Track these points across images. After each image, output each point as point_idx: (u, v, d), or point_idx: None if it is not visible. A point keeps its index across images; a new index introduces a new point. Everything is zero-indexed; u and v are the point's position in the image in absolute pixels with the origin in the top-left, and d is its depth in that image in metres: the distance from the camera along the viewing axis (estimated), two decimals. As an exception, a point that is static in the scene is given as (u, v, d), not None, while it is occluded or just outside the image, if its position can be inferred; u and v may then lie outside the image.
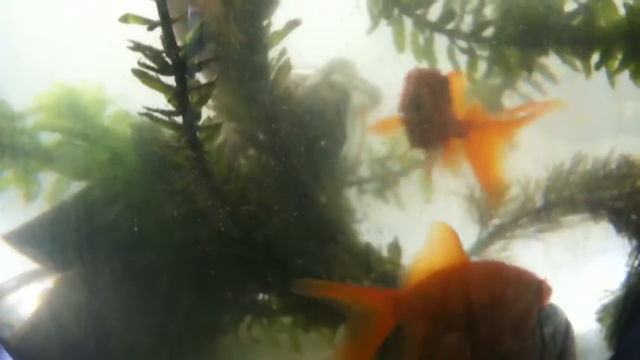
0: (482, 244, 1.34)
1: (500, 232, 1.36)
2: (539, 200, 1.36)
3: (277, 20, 1.12)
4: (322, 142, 1.25)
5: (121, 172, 1.24)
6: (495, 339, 1.10)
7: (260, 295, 1.34)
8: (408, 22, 1.27)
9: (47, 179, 1.28)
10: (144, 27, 0.99)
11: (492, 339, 1.10)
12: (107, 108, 1.27)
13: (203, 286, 1.25)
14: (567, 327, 1.21)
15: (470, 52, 1.29)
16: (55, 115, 1.25)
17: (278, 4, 1.12)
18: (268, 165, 1.21)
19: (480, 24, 1.27)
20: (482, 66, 1.30)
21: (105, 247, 1.24)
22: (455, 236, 1.07)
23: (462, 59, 1.29)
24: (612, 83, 1.25)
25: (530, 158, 1.32)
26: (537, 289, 1.10)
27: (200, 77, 1.06)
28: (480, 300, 1.07)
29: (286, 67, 1.16)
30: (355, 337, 1.07)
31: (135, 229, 1.20)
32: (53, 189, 1.28)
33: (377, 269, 1.25)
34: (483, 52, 1.29)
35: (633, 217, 1.34)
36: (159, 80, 1.02)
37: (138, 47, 1.00)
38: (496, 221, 1.37)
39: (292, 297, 1.27)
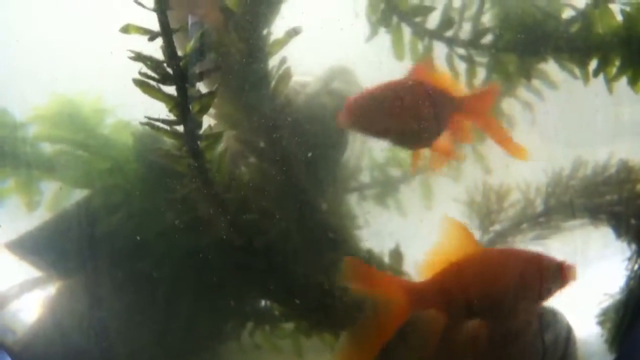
0: (483, 249, 1.35)
1: (500, 238, 1.37)
2: (539, 206, 1.36)
3: (277, 29, 1.13)
4: (323, 149, 1.25)
5: (122, 181, 1.24)
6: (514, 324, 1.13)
7: (262, 302, 1.34)
8: (407, 30, 1.28)
9: (49, 188, 1.28)
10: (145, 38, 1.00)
11: (510, 325, 1.13)
12: (106, 118, 1.27)
13: (205, 293, 1.26)
14: (569, 332, 1.22)
15: (469, 60, 1.29)
16: (56, 126, 1.25)
17: (278, 13, 1.13)
18: (269, 173, 1.21)
19: (478, 32, 1.28)
20: (481, 73, 1.31)
21: (107, 255, 1.24)
22: (464, 228, 1.10)
23: (461, 66, 1.30)
24: (610, 89, 1.25)
25: (529, 164, 1.32)
26: (556, 271, 1.11)
27: (201, 87, 1.06)
28: (496, 287, 1.09)
29: (286, 75, 1.16)
30: (369, 325, 1.08)
31: (137, 237, 1.21)
32: (55, 198, 1.28)
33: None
34: (482, 59, 1.30)
35: (632, 221, 1.34)
36: (160, 90, 1.03)
37: (139, 57, 1.00)
38: (497, 227, 1.37)
39: (293, 304, 1.27)
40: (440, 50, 1.29)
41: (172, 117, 1.05)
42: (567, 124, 1.28)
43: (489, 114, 1.21)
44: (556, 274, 1.11)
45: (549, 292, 1.12)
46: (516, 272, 1.10)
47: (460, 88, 1.24)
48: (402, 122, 1.15)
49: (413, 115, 1.15)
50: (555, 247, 1.31)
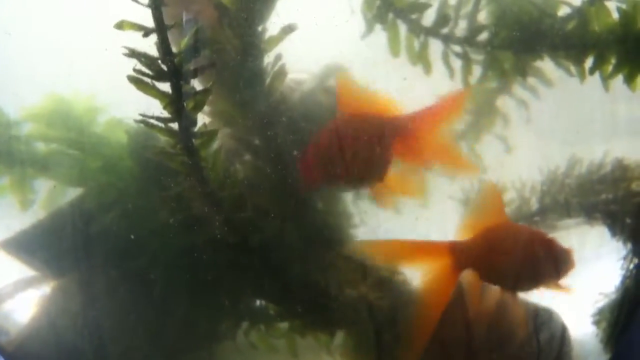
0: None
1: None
2: (534, 204, 1.36)
3: (272, 26, 1.13)
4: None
5: (115, 179, 1.24)
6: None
7: (257, 301, 1.34)
8: (403, 27, 1.28)
9: (44, 186, 1.28)
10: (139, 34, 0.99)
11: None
12: (100, 116, 1.27)
13: (199, 292, 1.25)
14: (564, 332, 1.22)
15: (464, 57, 1.29)
16: (49, 125, 1.25)
17: (273, 10, 1.12)
18: (264, 171, 1.21)
19: (474, 29, 1.28)
20: (477, 70, 1.31)
21: (101, 254, 1.24)
22: (500, 196, 1.16)
23: (457, 64, 1.30)
24: (606, 87, 1.25)
25: (525, 162, 1.32)
26: (565, 256, 1.15)
27: (196, 84, 1.06)
28: (521, 259, 1.14)
29: (282, 72, 1.16)
30: (429, 294, 1.13)
31: (131, 235, 1.20)
32: (49, 196, 1.28)
33: (373, 274, 1.25)
34: (477, 57, 1.30)
35: (628, 220, 1.34)
36: (154, 86, 1.02)
37: (133, 53, 1.00)
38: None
39: (288, 303, 1.27)
40: (436, 47, 1.29)
41: (166, 114, 1.05)
42: (563, 122, 1.28)
43: (436, 133, 1.18)
44: (564, 259, 1.14)
45: (556, 276, 1.15)
46: (538, 249, 1.14)
47: (394, 103, 1.19)
48: (349, 166, 1.15)
49: (357, 156, 1.15)
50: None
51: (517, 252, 1.13)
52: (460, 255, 1.11)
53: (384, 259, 1.19)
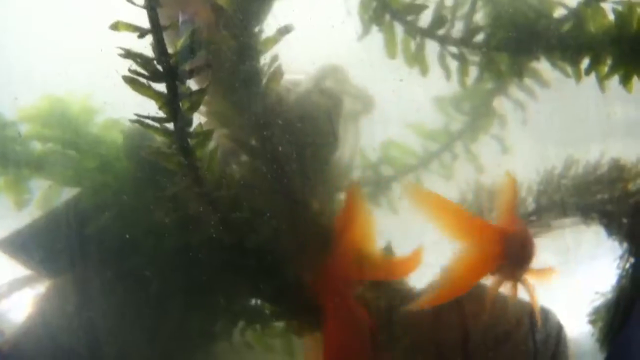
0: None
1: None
2: (530, 204, 1.36)
3: (268, 27, 1.12)
4: (314, 148, 1.25)
5: (111, 179, 1.24)
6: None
7: (253, 301, 1.34)
8: (399, 29, 1.27)
9: (39, 186, 1.28)
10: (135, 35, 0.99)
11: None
12: (96, 116, 1.26)
13: (195, 292, 1.25)
14: (560, 331, 1.22)
15: (461, 58, 1.29)
16: (45, 125, 1.25)
17: (269, 11, 1.12)
18: (260, 172, 1.21)
19: (470, 30, 1.28)
20: (473, 71, 1.31)
21: (97, 254, 1.24)
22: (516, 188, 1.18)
23: (453, 65, 1.30)
24: (602, 88, 1.26)
25: (521, 162, 1.32)
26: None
27: (192, 84, 1.05)
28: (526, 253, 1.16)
29: (278, 73, 1.16)
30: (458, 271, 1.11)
31: (127, 235, 1.20)
32: (44, 196, 1.28)
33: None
34: (474, 58, 1.30)
35: (624, 220, 1.34)
36: (150, 87, 1.02)
37: (129, 54, 0.99)
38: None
39: (284, 303, 1.27)
40: (432, 48, 1.29)
41: (162, 114, 1.05)
42: (559, 122, 1.28)
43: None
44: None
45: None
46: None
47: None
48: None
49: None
50: (546, 245, 1.32)
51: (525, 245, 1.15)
52: (505, 245, 1.12)
53: (427, 213, 1.15)
